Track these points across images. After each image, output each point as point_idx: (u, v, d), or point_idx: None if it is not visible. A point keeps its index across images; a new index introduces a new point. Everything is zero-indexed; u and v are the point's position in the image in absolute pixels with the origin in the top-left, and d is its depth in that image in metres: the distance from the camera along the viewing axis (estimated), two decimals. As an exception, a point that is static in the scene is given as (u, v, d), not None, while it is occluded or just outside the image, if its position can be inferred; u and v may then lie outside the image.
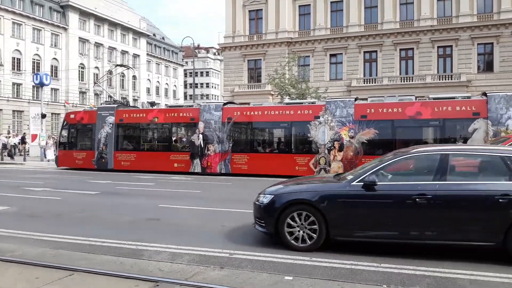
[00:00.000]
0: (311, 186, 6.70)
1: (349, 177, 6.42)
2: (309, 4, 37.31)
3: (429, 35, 33.75)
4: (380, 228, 5.98)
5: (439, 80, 33.15)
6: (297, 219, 6.20)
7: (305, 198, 6.23)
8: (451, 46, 33.56)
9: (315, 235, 6.11)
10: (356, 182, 6.10)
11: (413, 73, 34.37)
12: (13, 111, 48.53)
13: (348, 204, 6.11)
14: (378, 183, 5.95)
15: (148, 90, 71.74)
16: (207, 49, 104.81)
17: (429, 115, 15.75)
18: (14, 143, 29.60)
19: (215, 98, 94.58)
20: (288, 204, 6.26)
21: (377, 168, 6.19)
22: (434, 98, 16.43)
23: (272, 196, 6.47)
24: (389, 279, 5.04)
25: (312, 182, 7.10)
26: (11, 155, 28.59)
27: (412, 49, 34.51)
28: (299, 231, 6.20)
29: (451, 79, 32.82)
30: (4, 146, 28.45)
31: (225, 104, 19.73)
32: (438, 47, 33.92)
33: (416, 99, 17.33)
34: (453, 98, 16.12)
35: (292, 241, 6.19)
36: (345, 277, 5.07)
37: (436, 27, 33.44)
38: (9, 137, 32.63)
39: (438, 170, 5.90)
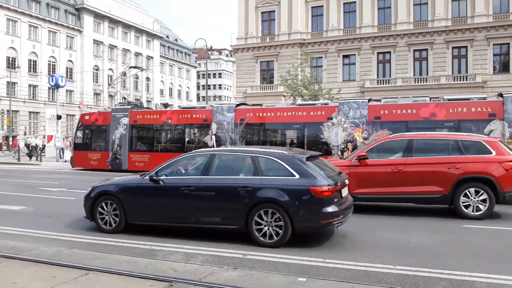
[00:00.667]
0: (117, 180, 8.01)
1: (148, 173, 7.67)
2: (322, 5, 37.23)
3: (443, 35, 33.40)
4: (163, 213, 7.29)
5: (454, 81, 32.77)
6: (105, 207, 7.57)
7: (110, 190, 7.65)
8: (466, 46, 33.17)
9: (117, 219, 7.48)
10: (147, 177, 7.44)
11: (427, 74, 34.04)
12: (29, 112, 49.33)
13: (140, 194, 7.45)
14: (162, 177, 7.27)
15: (161, 91, 72.30)
16: (219, 51, 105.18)
17: (444, 116, 15.55)
18: (36, 144, 29.89)
19: (227, 100, 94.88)
20: (98, 194, 7.66)
21: (162, 166, 7.53)
22: (449, 99, 16.22)
23: (91, 188, 7.92)
24: (403, 281, 5.00)
25: (121, 177, 8.37)
26: (30, 156, 28.97)
27: (426, 50, 34.19)
28: (108, 217, 7.54)
29: (466, 80, 32.42)
30: (28, 146, 28.90)
31: (237, 105, 19.76)
32: (453, 47, 33.56)
33: (430, 100, 17.15)
34: (469, 99, 15.89)
35: (103, 225, 7.56)
36: (359, 279, 5.04)
37: (451, 28, 33.09)
38: (29, 137, 33.10)
39: (205, 167, 7.20)
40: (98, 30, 58.43)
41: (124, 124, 20.69)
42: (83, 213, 9.49)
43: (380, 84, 35.06)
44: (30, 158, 28.53)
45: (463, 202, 8.80)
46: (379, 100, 18.46)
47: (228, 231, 7.01)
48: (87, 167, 21.72)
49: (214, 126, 18.94)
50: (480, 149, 8.96)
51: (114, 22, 60.42)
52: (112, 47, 60.47)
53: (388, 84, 34.70)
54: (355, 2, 36.05)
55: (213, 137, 18.84)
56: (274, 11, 38.60)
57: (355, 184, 9.05)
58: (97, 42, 57.89)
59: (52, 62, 52.27)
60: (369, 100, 17.63)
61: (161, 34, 71.26)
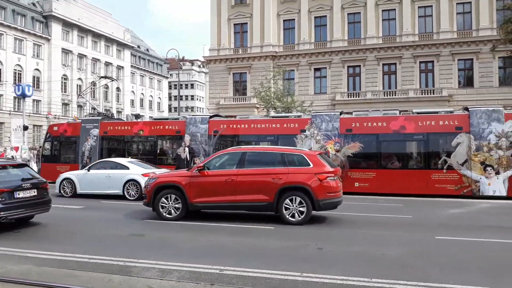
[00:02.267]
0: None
1: None
2: (294, 19, 37.77)
3: (411, 50, 34.46)
4: None
5: (422, 94, 33.77)
6: None
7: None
8: (432, 61, 34.30)
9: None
10: None
11: (396, 88, 34.94)
12: (-7, 122, 47.57)
13: None
14: None
15: (132, 102, 71.21)
16: (192, 62, 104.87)
17: (413, 129, 15.98)
18: (12, 156, 28.64)
19: (200, 111, 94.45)
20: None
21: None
22: (418, 113, 16.69)
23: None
24: (380, 294, 5.05)
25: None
26: None
27: (395, 64, 35.15)
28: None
29: (433, 94, 33.46)
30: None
31: (211, 117, 19.68)
32: (420, 62, 34.63)
33: (400, 113, 17.58)
34: (436, 112, 16.41)
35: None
36: (337, 293, 5.06)
37: (418, 43, 34.19)
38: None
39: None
40: (67, 38, 57.22)
41: (94, 136, 20.24)
42: (52, 229, 9.18)
43: (351, 97, 35.73)
44: None
45: (285, 209, 9.68)
46: (351, 113, 18.79)
47: None
48: (55, 180, 21.04)
49: (187, 138, 18.78)
50: (301, 161, 9.90)
51: (83, 30, 59.33)
52: (81, 56, 59.28)
53: (358, 97, 35.41)
54: (325, 16, 36.76)
55: (186, 149, 18.68)
56: (246, 23, 38.88)
57: (195, 193, 10.02)
58: (65, 51, 56.63)
59: (18, 70, 50.71)
60: (341, 113, 17.93)
61: (132, 44, 70.42)
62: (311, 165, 9.80)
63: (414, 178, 15.69)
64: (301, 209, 9.66)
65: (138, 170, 14.70)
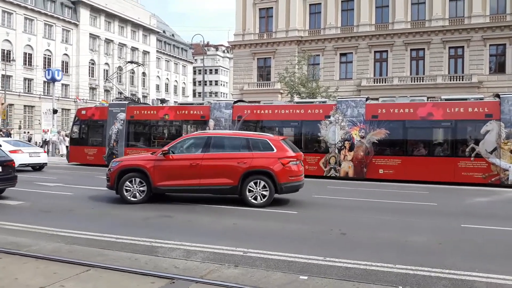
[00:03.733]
0: None
1: None
2: (320, 3, 37.18)
3: (440, 35, 33.50)
4: None
5: (450, 81, 32.90)
6: None
7: None
8: (462, 46, 33.29)
9: None
10: None
11: (423, 74, 34.14)
12: (24, 106, 48.98)
13: None
14: None
15: (157, 87, 71.99)
16: (216, 47, 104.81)
17: (441, 116, 15.64)
18: (46, 139, 29.32)
19: (224, 96, 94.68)
20: None
21: None
22: (446, 99, 16.32)
23: None
24: (404, 280, 5.03)
25: None
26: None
27: (423, 49, 34.28)
28: None
29: (462, 80, 32.55)
30: (46, 142, 28.55)
31: (235, 102, 19.76)
32: (450, 47, 33.66)
33: (427, 100, 17.22)
34: (466, 99, 16.00)
35: None
36: (360, 277, 5.07)
37: (448, 28, 33.19)
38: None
39: None
40: (95, 24, 58.04)
41: (121, 120, 20.63)
42: (81, 208, 9.48)
43: (377, 82, 35.13)
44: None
45: (249, 192, 9.95)
46: (377, 99, 18.53)
47: None
48: (83, 162, 21.64)
49: (211, 123, 18.93)
50: (265, 146, 10.21)
51: (110, 16, 60.02)
52: (108, 41, 60.09)
53: (385, 83, 34.78)
54: (353, 0, 36.04)
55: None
56: (272, 8, 38.51)
57: (160, 177, 10.11)
58: (93, 36, 57.50)
59: (48, 55, 51.87)
60: (367, 99, 17.68)
61: (157, 29, 70.86)
62: (275, 150, 10.12)
63: (440, 166, 15.42)
64: (264, 192, 9.94)
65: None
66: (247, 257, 5.89)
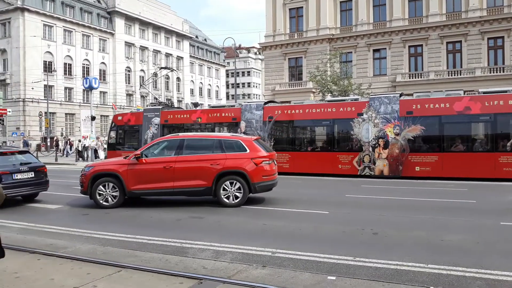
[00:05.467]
0: None
1: None
2: (351, 0, 36.65)
3: (478, 26, 32.24)
4: None
5: (490, 73, 31.60)
6: None
7: None
8: (502, 37, 31.86)
9: None
10: None
11: (461, 67, 32.95)
12: (66, 114, 50.95)
13: None
14: None
15: (191, 91, 73.15)
16: (248, 49, 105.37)
17: (479, 110, 15.05)
18: (87, 145, 30.46)
19: (256, 98, 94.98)
20: None
21: None
22: (484, 92, 15.68)
23: None
24: (436, 280, 4.88)
25: None
26: (82, 157, 29.78)
27: (460, 41, 33.09)
28: None
29: (503, 72, 31.17)
30: (85, 148, 29.70)
31: (266, 103, 19.77)
32: (488, 38, 32.30)
33: (464, 93, 16.63)
34: (505, 91, 15.30)
35: None
36: (389, 278, 4.96)
37: (486, 18, 31.88)
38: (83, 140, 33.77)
39: None
40: (129, 32, 59.64)
41: (156, 124, 21.08)
42: (116, 211, 9.77)
43: (412, 78, 34.22)
44: (84, 159, 29.16)
45: (223, 193, 10.07)
46: (411, 95, 18.06)
47: None
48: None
49: (243, 124, 19.03)
50: (238, 147, 10.33)
51: (144, 24, 61.51)
52: (143, 48, 61.61)
53: (421, 77, 33.83)
54: (384, -5, 35.31)
55: (242, 135, 18.90)
56: (302, 7, 38.30)
57: (133, 181, 10.13)
58: (128, 44, 59.11)
59: (86, 65, 53.76)
60: (401, 95, 17.28)
61: (190, 34, 71.99)
62: (248, 150, 10.26)
63: (480, 161, 14.84)
64: (237, 192, 10.07)
65: None
66: (275, 257, 5.88)
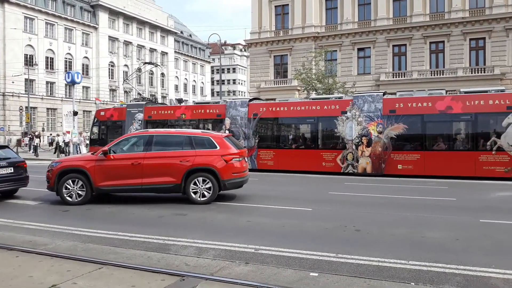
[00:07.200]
0: None
1: None
2: (336, -2, 36.83)
3: (460, 27, 32.74)
4: None
5: (471, 73, 32.14)
6: None
7: None
8: (484, 38, 32.43)
9: None
10: None
11: (443, 67, 33.44)
12: (47, 109, 50.09)
13: None
14: None
15: (176, 87, 72.60)
16: (233, 46, 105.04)
17: (461, 109, 15.30)
18: (66, 140, 29.90)
19: (241, 95, 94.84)
20: None
21: None
22: (465, 92, 15.94)
23: None
24: (417, 276, 4.94)
25: None
26: (63, 152, 29.29)
27: (443, 42, 33.57)
28: None
29: (484, 72, 31.76)
30: (66, 144, 29.22)
31: (250, 100, 19.75)
32: (470, 39, 32.85)
33: (446, 93, 16.86)
34: (486, 91, 15.58)
35: None
36: (371, 274, 5.00)
37: (468, 19, 32.39)
38: (61, 135, 33.23)
39: None
40: (113, 26, 58.86)
41: (139, 120, 20.87)
42: (98, 208, 9.64)
43: (396, 77, 34.60)
44: (66, 154, 28.72)
45: (192, 190, 9.98)
46: (395, 94, 18.24)
47: None
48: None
49: (227, 121, 18.98)
50: (208, 144, 10.24)
51: (128, 18, 60.77)
52: (127, 43, 60.88)
53: (404, 77, 34.22)
54: (369, -6, 35.56)
55: (227, 131, 18.85)
56: (287, 4, 38.32)
57: (101, 177, 9.99)
58: (112, 39, 58.34)
59: (69, 59, 52.89)
60: (384, 94, 17.45)
61: (175, 30, 71.40)
62: (218, 147, 10.20)
63: (460, 160, 15.10)
64: (207, 189, 9.98)
65: None
66: (259, 254, 5.88)
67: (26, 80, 44.62)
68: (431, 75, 33.28)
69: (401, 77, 34.33)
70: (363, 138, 16.55)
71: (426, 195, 11.46)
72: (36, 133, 37.62)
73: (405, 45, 34.76)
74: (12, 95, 45.99)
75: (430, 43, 34.01)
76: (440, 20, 33.32)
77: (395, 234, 7.02)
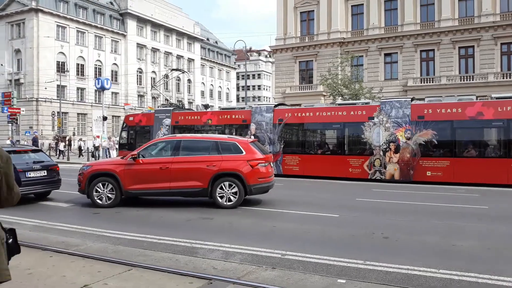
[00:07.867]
0: None
1: None
2: (362, 4, 36.57)
3: (491, 31, 31.95)
4: None
5: (503, 78, 31.27)
6: None
7: None
8: (516, 42, 31.55)
9: None
10: None
11: (473, 72, 32.67)
12: (78, 114, 51.41)
13: None
14: None
15: (202, 93, 73.39)
16: (258, 52, 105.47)
17: (492, 115, 14.89)
18: (97, 145, 30.73)
19: (266, 100, 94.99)
20: None
21: None
22: (497, 98, 15.52)
23: None
24: (447, 285, 4.84)
25: None
26: (94, 156, 30.14)
27: (473, 46, 32.82)
28: None
29: (517, 77, 30.85)
30: (96, 148, 30.14)
31: (276, 105, 19.78)
32: (502, 43, 32.00)
33: (477, 98, 16.46)
34: (519, 97, 15.13)
35: None
36: (400, 282, 4.93)
37: (499, 23, 31.59)
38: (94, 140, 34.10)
39: None
40: (141, 34, 60.08)
41: (167, 125, 21.19)
42: (128, 210, 9.82)
43: (424, 82, 34.01)
44: (96, 158, 29.55)
45: (219, 194, 10.11)
46: (423, 99, 17.94)
47: None
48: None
49: (253, 126, 19.05)
50: (235, 149, 10.37)
51: (156, 26, 61.92)
52: (154, 50, 62.01)
53: (432, 82, 33.60)
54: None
55: (252, 137, 18.92)
56: (313, 10, 38.30)
57: (130, 181, 10.22)
58: (140, 46, 59.53)
59: (98, 65, 54.25)
60: (412, 99, 17.17)
61: (201, 36, 72.30)
62: (244, 153, 10.31)
63: (492, 167, 14.67)
64: (233, 194, 10.08)
65: None
66: (285, 259, 5.88)
67: (58, 86, 45.93)
68: (461, 81, 32.56)
69: (429, 82, 33.71)
70: (391, 144, 16.31)
71: (456, 202, 11.19)
72: (67, 138, 38.58)
73: (433, 50, 34.15)
74: (45, 101, 47.46)
75: (459, 48, 33.31)
76: (470, 25, 32.61)
77: (425, 242, 6.88)
